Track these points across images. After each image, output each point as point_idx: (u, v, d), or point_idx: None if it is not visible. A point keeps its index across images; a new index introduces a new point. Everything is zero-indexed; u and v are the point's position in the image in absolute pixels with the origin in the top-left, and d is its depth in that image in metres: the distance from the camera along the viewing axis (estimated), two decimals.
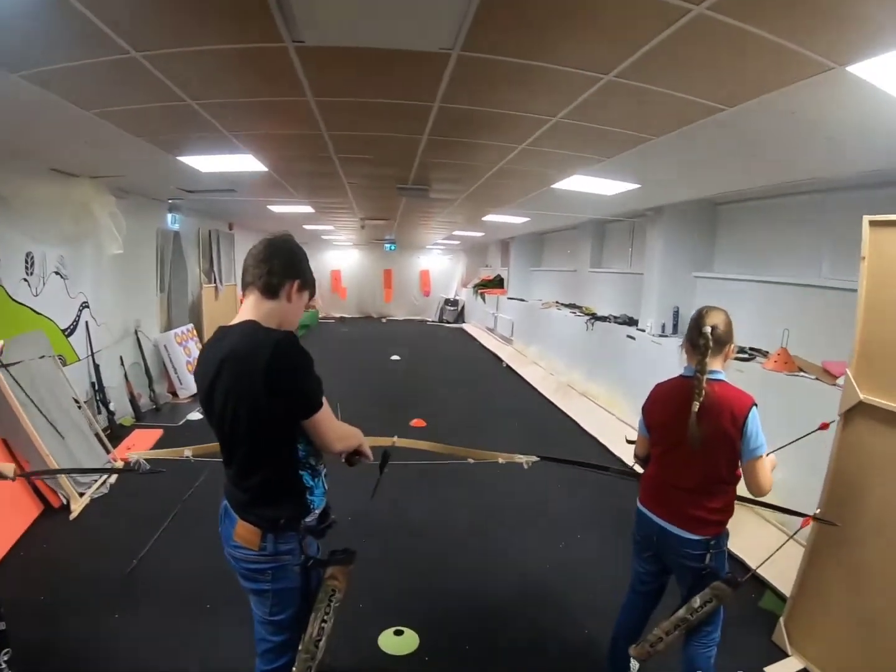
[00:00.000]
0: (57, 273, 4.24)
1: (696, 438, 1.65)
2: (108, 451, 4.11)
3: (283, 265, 1.46)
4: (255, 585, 1.49)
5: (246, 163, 3.72)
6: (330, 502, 1.61)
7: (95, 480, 3.67)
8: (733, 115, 2.25)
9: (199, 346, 6.52)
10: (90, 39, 1.75)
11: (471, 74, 2.07)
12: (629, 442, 2.16)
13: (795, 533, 2.11)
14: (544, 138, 2.89)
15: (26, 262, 3.83)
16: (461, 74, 2.07)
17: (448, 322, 15.02)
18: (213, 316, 7.20)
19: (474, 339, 12.02)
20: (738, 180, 3.81)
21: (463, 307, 15.17)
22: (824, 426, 2.16)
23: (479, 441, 4.89)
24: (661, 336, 5.18)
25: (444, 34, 1.72)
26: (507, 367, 8.85)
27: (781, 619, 2.39)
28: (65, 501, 3.39)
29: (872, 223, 2.09)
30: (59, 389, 3.89)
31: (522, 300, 10.22)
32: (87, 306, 4.70)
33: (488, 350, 10.51)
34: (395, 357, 9.40)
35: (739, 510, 1.92)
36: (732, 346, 1.79)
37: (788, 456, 2.25)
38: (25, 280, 3.83)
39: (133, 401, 5.33)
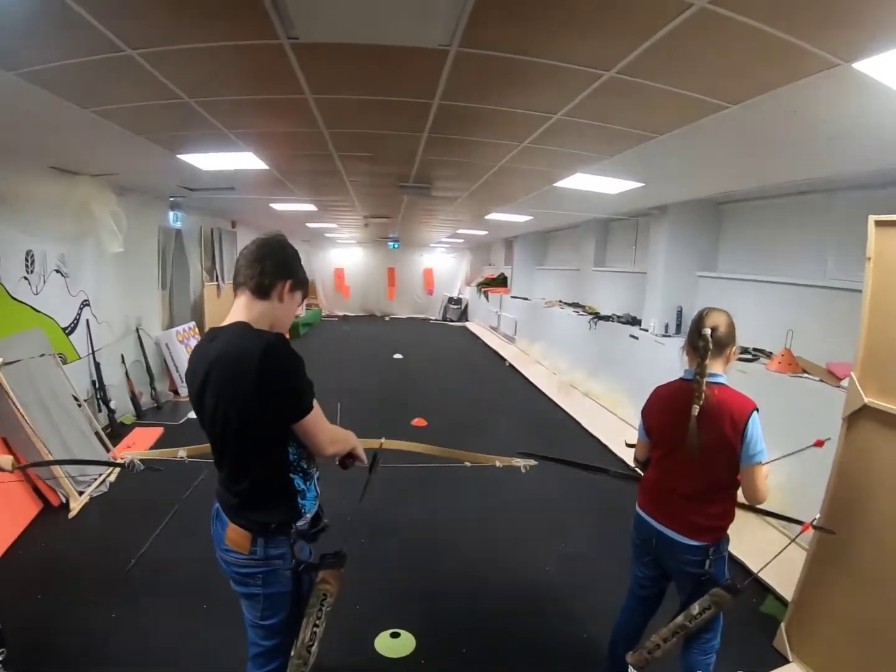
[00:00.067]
0: (58, 271, 4.23)
1: (696, 443, 1.62)
2: (108, 450, 4.12)
3: (274, 265, 1.44)
4: (246, 589, 1.48)
5: (246, 160, 3.70)
6: (328, 503, 1.59)
7: (95, 479, 3.67)
8: (737, 113, 2.21)
9: None
10: (85, 38, 1.73)
11: (470, 71, 2.04)
12: (629, 445, 2.13)
13: (797, 536, 2.07)
14: (545, 136, 2.86)
15: (26, 260, 3.83)
16: (460, 71, 2.04)
17: (451, 320, 14.99)
18: (214, 314, 7.21)
19: (477, 338, 11.99)
20: (742, 179, 3.76)
21: (466, 306, 15.14)
22: (819, 443, 2.10)
23: (480, 440, 4.89)
24: (664, 336, 5.14)
25: (441, 30, 1.70)
26: (510, 366, 8.82)
27: (783, 625, 2.36)
28: (64, 500, 3.39)
29: (878, 223, 2.05)
30: (58, 388, 3.89)
31: (526, 299, 10.19)
32: (88, 304, 4.70)
33: (491, 349, 10.48)
34: (397, 356, 9.39)
35: (742, 512, 1.89)
36: (734, 348, 1.75)
37: (793, 458, 2.21)
38: (25, 278, 3.83)
39: (134, 399, 5.34)
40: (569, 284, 8.64)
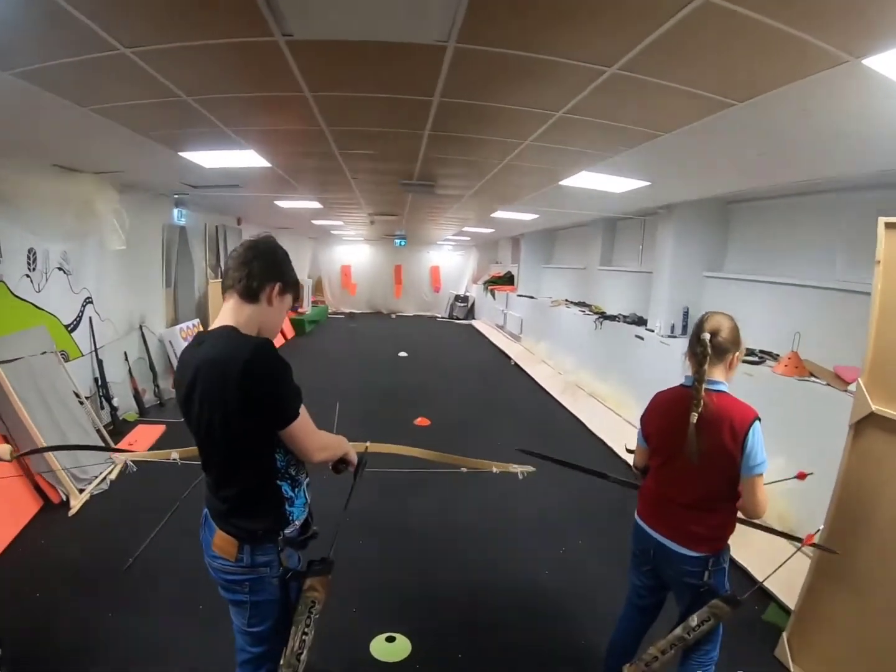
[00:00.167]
0: (60, 269, 4.24)
1: (695, 452, 1.57)
2: (108, 447, 4.12)
3: (262, 267, 1.42)
4: (233, 596, 1.46)
5: (249, 158, 3.68)
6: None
7: (96, 477, 3.68)
8: (744, 111, 2.15)
9: None
10: (78, 37, 1.71)
11: (469, 68, 2.00)
12: (629, 451, 2.09)
13: (801, 547, 2.02)
14: (549, 134, 2.81)
15: (28, 257, 3.84)
16: (459, 68, 2.00)
17: (458, 318, 14.95)
18: (219, 311, 7.17)
19: (483, 336, 11.94)
20: (750, 179, 3.69)
21: (473, 304, 15.10)
22: (801, 476, 1.96)
23: (482, 440, 4.86)
24: (669, 337, 5.08)
25: (437, 26, 1.66)
26: (515, 365, 8.77)
27: (784, 634, 2.31)
28: (64, 497, 3.40)
29: (888, 225, 1.99)
30: (60, 385, 3.90)
31: (532, 297, 10.13)
32: (91, 302, 4.70)
33: (497, 347, 10.43)
34: (402, 354, 9.37)
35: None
36: (738, 354, 1.69)
37: (795, 464, 2.16)
38: (27, 276, 3.84)
39: (137, 396, 5.35)
40: (575, 283, 8.57)
